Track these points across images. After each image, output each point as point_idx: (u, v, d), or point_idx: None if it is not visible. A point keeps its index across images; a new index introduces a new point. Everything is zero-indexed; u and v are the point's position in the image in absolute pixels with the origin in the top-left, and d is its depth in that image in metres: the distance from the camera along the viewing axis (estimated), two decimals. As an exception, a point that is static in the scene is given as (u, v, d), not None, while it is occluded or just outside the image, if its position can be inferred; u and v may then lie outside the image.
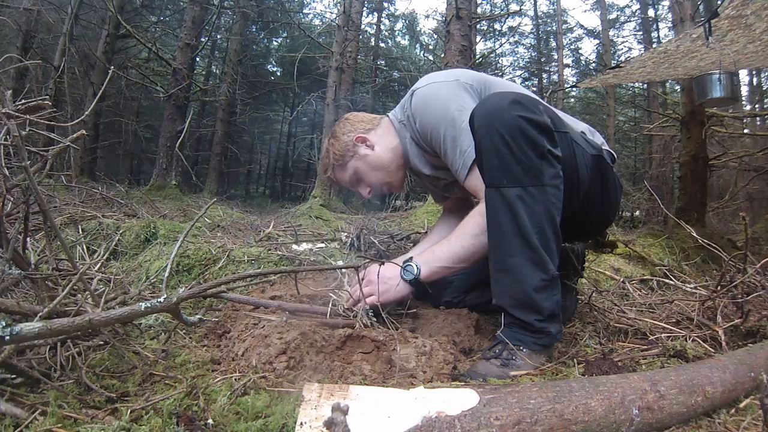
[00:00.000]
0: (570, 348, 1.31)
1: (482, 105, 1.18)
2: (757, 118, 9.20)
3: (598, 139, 1.48)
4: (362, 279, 1.37)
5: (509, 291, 1.16)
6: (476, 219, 1.30)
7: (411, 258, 1.38)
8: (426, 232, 2.43)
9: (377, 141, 1.59)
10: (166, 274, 1.31)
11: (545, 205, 1.13)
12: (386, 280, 1.36)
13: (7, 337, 0.71)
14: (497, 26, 15.44)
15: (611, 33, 13.81)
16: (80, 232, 2.29)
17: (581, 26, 16.12)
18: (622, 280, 2.08)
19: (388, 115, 1.65)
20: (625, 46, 15.53)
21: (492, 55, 15.35)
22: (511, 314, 1.17)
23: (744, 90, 10.21)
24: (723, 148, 5.99)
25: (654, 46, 9.66)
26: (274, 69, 18.48)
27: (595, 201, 1.42)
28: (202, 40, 8.64)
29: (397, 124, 1.60)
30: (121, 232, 2.31)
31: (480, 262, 1.31)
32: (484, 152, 1.15)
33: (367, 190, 1.65)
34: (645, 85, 11.18)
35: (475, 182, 1.31)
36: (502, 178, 1.13)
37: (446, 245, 1.34)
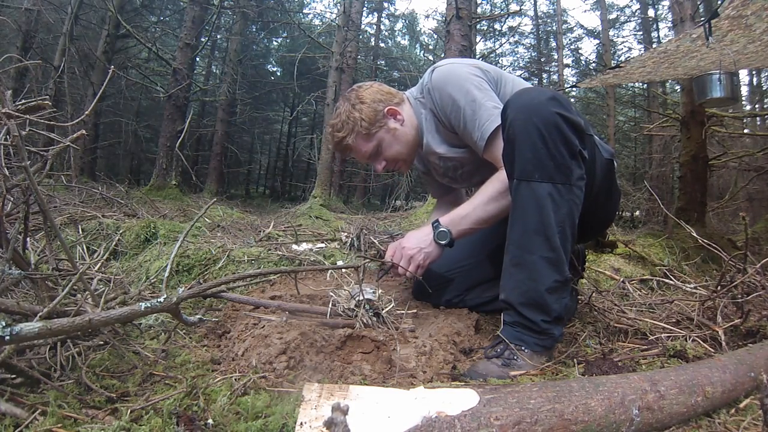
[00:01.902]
0: (570, 348, 1.31)
1: (518, 97, 1.17)
2: (757, 118, 9.19)
3: None
4: (393, 254, 1.44)
5: (521, 288, 1.16)
6: (496, 185, 1.34)
7: (437, 222, 1.40)
8: None
9: (405, 117, 1.56)
10: (166, 274, 1.31)
11: (570, 205, 1.13)
12: (423, 248, 1.40)
13: (7, 337, 0.71)
14: (497, 26, 15.45)
15: (611, 33, 13.81)
16: (80, 232, 2.29)
17: (581, 26, 16.15)
18: (622, 280, 2.08)
19: (405, 93, 1.64)
20: (625, 46, 15.57)
21: (492, 55, 15.35)
22: (519, 311, 1.17)
23: (744, 90, 10.21)
24: (723, 148, 5.99)
25: (654, 46, 9.67)
26: (274, 69, 18.52)
27: (601, 203, 1.42)
28: (202, 40, 8.64)
29: (413, 101, 1.60)
30: (121, 232, 2.31)
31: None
32: (517, 144, 1.14)
33: (383, 164, 1.60)
34: (645, 85, 11.17)
35: (496, 152, 1.33)
36: (534, 172, 1.12)
37: (471, 209, 1.38)
